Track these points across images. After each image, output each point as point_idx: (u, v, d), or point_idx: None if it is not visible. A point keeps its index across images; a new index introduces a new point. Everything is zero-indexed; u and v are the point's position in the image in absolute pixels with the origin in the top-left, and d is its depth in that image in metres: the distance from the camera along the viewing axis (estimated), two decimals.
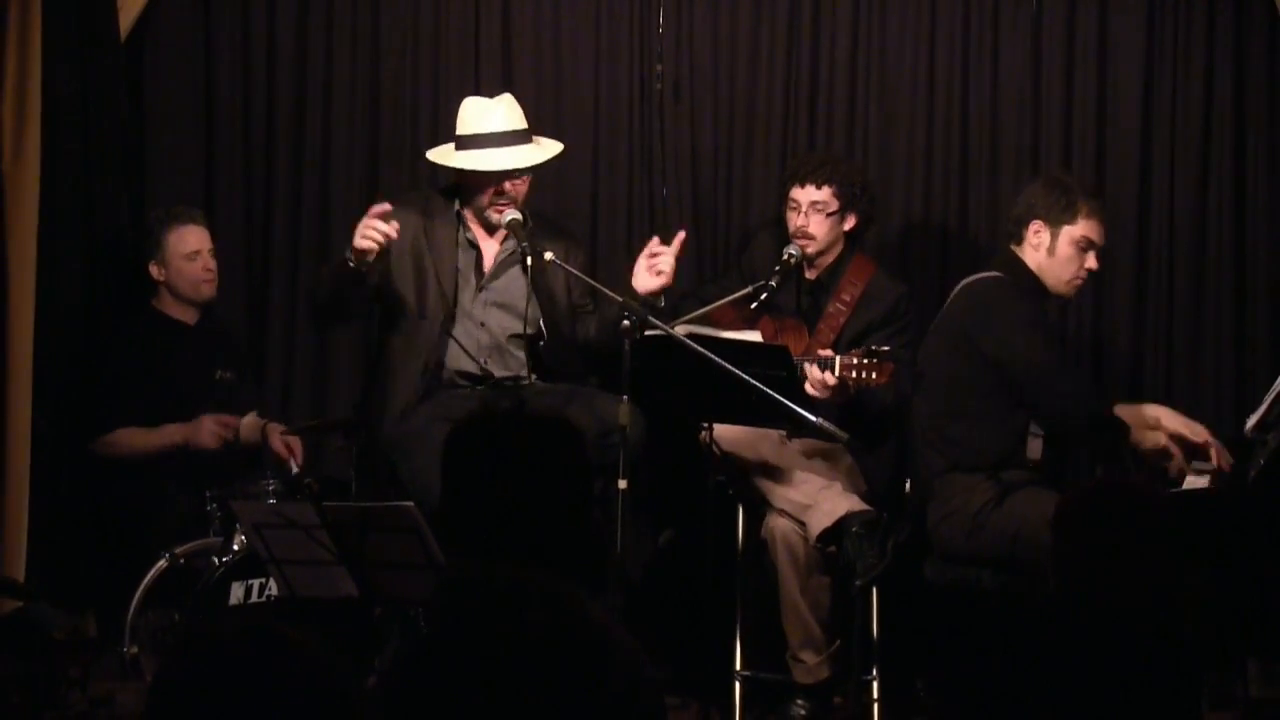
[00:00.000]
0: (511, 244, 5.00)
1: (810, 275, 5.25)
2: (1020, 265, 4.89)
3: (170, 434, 5.03)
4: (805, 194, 5.15)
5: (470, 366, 4.97)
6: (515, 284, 5.02)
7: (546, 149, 5.04)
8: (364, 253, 4.69)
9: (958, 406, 4.83)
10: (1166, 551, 3.30)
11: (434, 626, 2.21)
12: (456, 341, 4.97)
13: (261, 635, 1.93)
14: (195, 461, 4.99)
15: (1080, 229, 4.84)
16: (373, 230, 4.67)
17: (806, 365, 4.86)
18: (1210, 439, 4.75)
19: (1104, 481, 3.43)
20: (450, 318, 4.96)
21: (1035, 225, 4.86)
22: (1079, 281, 4.92)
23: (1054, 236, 4.85)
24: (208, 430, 5.01)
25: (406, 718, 2.12)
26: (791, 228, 5.17)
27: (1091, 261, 4.89)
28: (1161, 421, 4.78)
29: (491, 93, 5.25)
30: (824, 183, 5.13)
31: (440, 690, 2.09)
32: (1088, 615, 3.18)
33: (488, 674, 2.13)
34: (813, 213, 5.14)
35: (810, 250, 5.16)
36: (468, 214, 5.01)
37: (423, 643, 2.16)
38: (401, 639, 4.25)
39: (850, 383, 4.83)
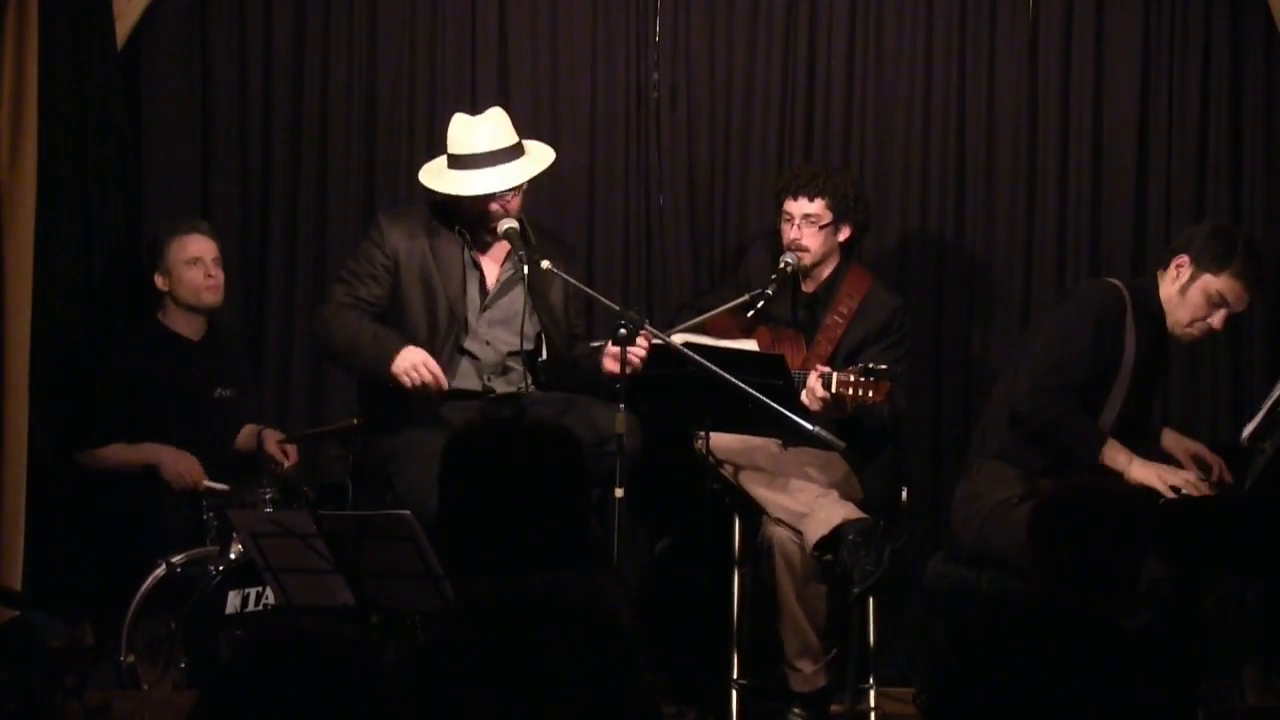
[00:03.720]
0: (512, 263, 4.98)
1: (807, 288, 5.24)
2: (1151, 289, 4.80)
3: (148, 452, 5.02)
4: (798, 207, 5.14)
5: (474, 385, 4.95)
6: (516, 302, 4.99)
7: (535, 161, 4.97)
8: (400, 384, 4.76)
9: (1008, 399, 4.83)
10: (1141, 553, 3.30)
11: (460, 629, 2.23)
12: (466, 360, 4.95)
13: (319, 636, 1.93)
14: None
15: (1220, 283, 4.70)
16: (416, 376, 4.72)
17: (809, 376, 4.87)
18: (1187, 482, 4.63)
19: (1078, 483, 3.41)
20: (460, 337, 4.95)
21: (1181, 260, 4.74)
22: (1195, 333, 4.78)
23: (1193, 278, 4.72)
24: (182, 468, 4.99)
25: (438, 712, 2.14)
26: (786, 240, 5.17)
27: (1218, 320, 4.74)
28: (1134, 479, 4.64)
29: (487, 103, 5.25)
30: (816, 195, 5.12)
31: (469, 685, 2.10)
32: (1075, 621, 3.19)
33: (511, 673, 2.15)
34: (806, 225, 5.14)
35: (806, 262, 5.16)
36: (468, 234, 4.99)
37: (450, 644, 2.18)
38: (404, 647, 4.25)
39: (847, 400, 4.83)
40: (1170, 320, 4.78)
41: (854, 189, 5.20)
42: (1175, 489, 4.57)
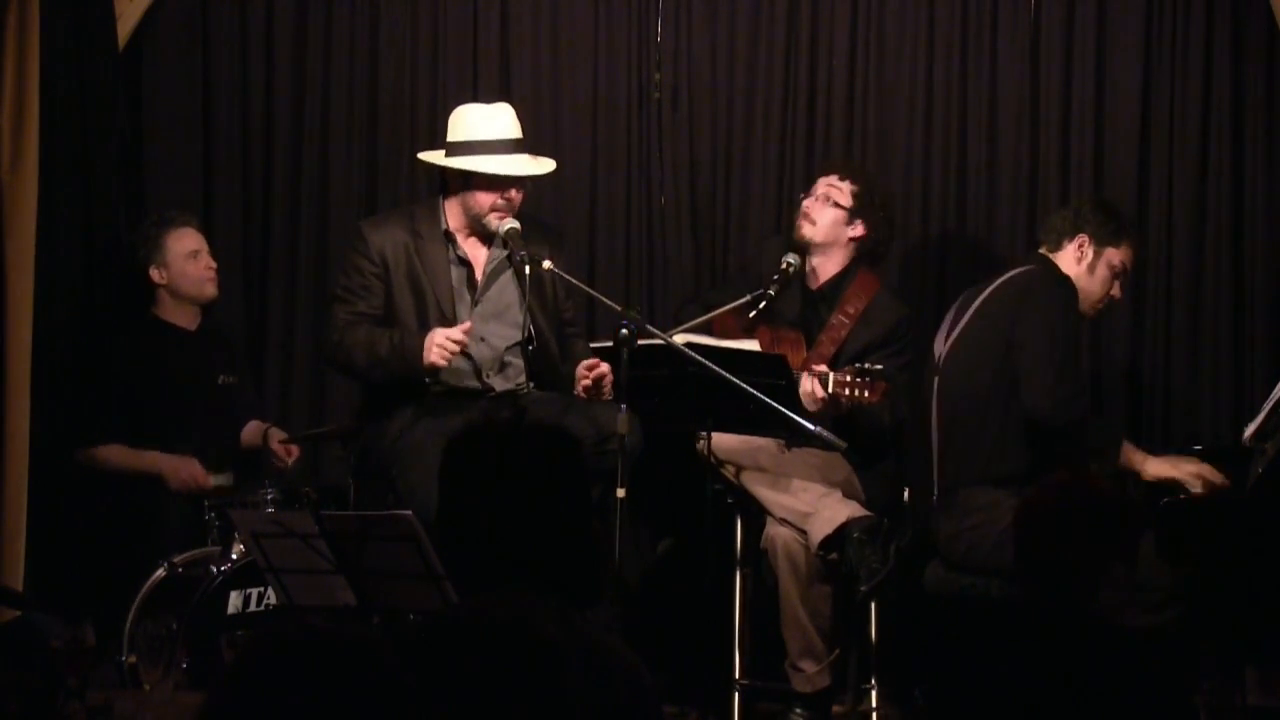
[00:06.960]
0: (497, 254, 4.96)
1: (813, 286, 5.24)
2: (1055, 268, 4.88)
3: (150, 461, 5.04)
4: (827, 181, 5.20)
5: (472, 383, 4.93)
6: (506, 293, 4.98)
7: (545, 161, 5.02)
8: (439, 369, 4.72)
9: (987, 417, 4.78)
10: (1123, 550, 3.31)
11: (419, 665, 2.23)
12: (462, 359, 4.93)
13: (329, 639, 1.93)
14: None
15: (1121, 254, 4.90)
16: (446, 351, 4.67)
17: (803, 377, 4.86)
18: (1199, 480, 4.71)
19: (1063, 480, 3.41)
20: None
21: (1081, 239, 4.89)
22: (1101, 305, 4.97)
23: (1097, 255, 4.89)
24: (185, 475, 5.00)
25: None
26: (800, 210, 5.19)
27: (1118, 290, 4.95)
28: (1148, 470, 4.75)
29: (489, 100, 5.25)
30: (848, 178, 5.18)
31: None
32: (1076, 622, 3.19)
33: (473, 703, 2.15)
34: (823, 200, 5.16)
35: (806, 235, 5.15)
36: (455, 231, 4.97)
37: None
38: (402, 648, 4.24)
39: (843, 399, 4.83)
40: (1080, 299, 4.87)
41: (881, 196, 5.22)
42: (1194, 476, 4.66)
